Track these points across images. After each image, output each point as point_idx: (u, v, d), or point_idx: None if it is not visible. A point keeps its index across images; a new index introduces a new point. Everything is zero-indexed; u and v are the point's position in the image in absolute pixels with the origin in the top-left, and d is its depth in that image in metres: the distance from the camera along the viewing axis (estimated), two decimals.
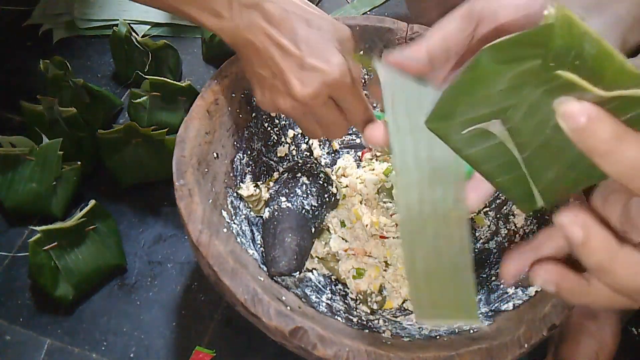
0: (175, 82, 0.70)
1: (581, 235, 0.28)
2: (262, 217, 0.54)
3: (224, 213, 0.49)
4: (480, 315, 0.48)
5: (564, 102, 0.27)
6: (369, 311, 0.51)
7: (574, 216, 0.28)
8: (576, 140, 0.27)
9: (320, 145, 0.62)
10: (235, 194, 0.53)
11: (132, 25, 0.79)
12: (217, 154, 0.51)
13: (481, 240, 0.57)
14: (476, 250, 0.56)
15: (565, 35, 0.26)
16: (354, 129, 0.63)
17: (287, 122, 0.60)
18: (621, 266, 0.28)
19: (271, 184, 0.56)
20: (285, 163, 0.60)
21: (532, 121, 0.30)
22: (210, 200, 0.47)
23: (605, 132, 0.26)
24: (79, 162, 0.65)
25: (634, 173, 0.26)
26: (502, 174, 0.33)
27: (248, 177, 0.55)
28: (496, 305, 0.48)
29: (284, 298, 0.44)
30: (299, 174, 0.55)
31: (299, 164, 0.57)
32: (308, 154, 0.62)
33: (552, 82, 0.28)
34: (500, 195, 0.57)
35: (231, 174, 0.53)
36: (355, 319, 0.49)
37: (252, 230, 0.53)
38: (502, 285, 0.50)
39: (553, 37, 0.26)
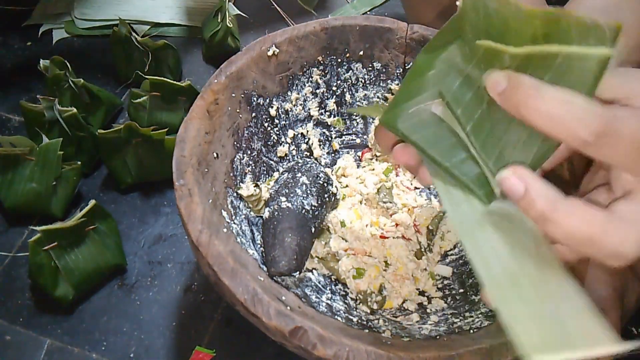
0: (175, 82, 0.70)
1: (521, 186, 0.29)
2: (262, 217, 0.54)
3: (224, 213, 0.49)
4: (481, 315, 0.48)
5: (487, 74, 0.30)
6: (368, 311, 0.51)
7: (512, 170, 0.29)
8: (502, 103, 0.29)
9: (320, 145, 0.62)
10: (235, 194, 0.53)
11: (132, 25, 0.79)
12: (217, 153, 0.51)
13: None
14: None
15: (473, 6, 0.30)
16: (353, 130, 0.63)
17: (287, 122, 0.60)
18: (564, 216, 0.28)
19: (271, 183, 0.56)
20: (285, 163, 0.60)
21: (468, 94, 0.33)
22: (210, 200, 0.47)
23: (525, 83, 0.28)
24: (79, 162, 0.65)
25: (558, 121, 0.28)
26: (451, 156, 0.34)
27: (248, 177, 0.55)
28: None
29: (283, 298, 0.44)
30: (299, 174, 0.55)
31: (299, 164, 0.57)
32: (308, 154, 0.62)
33: (476, 56, 0.32)
34: None
35: (231, 174, 0.53)
36: (355, 319, 0.49)
37: (252, 230, 0.53)
38: None
39: (465, 13, 0.31)
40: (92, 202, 0.59)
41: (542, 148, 0.31)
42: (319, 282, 0.53)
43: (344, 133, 0.63)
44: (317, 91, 0.60)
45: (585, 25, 0.27)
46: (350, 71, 0.61)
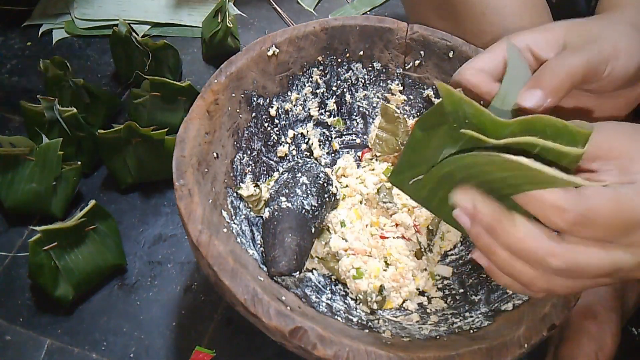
0: (175, 82, 0.70)
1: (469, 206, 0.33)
2: (262, 217, 0.54)
3: (224, 213, 0.49)
4: (481, 315, 0.48)
5: (454, 193, 0.34)
6: (368, 311, 0.51)
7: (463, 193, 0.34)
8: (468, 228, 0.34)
9: (320, 145, 0.62)
10: (235, 194, 0.53)
11: (132, 25, 0.79)
12: (217, 154, 0.51)
13: None
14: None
15: (451, 103, 0.34)
16: (353, 130, 0.63)
17: (287, 122, 0.60)
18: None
19: (271, 183, 0.56)
20: (285, 163, 0.60)
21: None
22: (210, 200, 0.47)
23: (486, 215, 0.33)
24: (79, 162, 0.65)
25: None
26: (442, 209, 0.40)
27: (248, 177, 0.55)
28: (496, 305, 0.48)
29: (283, 298, 0.44)
30: (299, 174, 0.55)
31: (299, 164, 0.57)
32: (308, 154, 0.62)
33: (462, 139, 0.36)
34: None
35: (231, 174, 0.53)
36: (355, 319, 0.49)
37: (252, 230, 0.53)
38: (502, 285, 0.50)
39: (445, 105, 0.34)
40: (92, 202, 0.59)
41: None
42: (319, 282, 0.53)
43: (344, 133, 0.63)
44: (317, 91, 0.60)
45: (558, 127, 0.32)
46: (350, 71, 0.61)
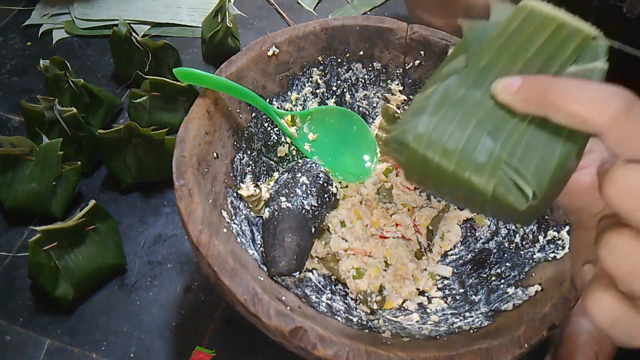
0: (175, 82, 0.69)
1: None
2: (262, 217, 0.54)
3: (224, 213, 0.49)
4: (481, 315, 0.48)
5: (497, 81, 0.30)
6: (368, 311, 0.51)
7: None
8: (517, 103, 0.29)
9: None
10: (235, 194, 0.53)
11: (132, 25, 0.79)
12: (217, 154, 0.51)
13: (481, 240, 0.57)
14: (476, 250, 0.56)
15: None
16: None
17: None
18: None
19: (271, 184, 0.56)
20: (285, 163, 0.60)
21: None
22: (210, 200, 0.47)
23: (540, 78, 0.29)
24: (79, 162, 0.65)
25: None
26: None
27: (248, 177, 0.55)
28: (496, 305, 0.48)
29: (283, 298, 0.44)
30: (299, 174, 0.55)
31: (299, 164, 0.57)
32: None
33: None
34: None
35: (231, 174, 0.53)
36: (355, 319, 0.49)
37: (252, 230, 0.53)
38: (502, 285, 0.50)
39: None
40: (92, 202, 0.59)
41: (565, 147, 0.30)
42: (319, 282, 0.53)
43: None
44: (317, 91, 0.60)
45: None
46: (350, 71, 0.61)
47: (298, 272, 0.50)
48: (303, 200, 0.52)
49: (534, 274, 0.49)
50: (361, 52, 0.60)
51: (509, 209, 0.30)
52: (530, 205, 0.29)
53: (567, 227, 0.50)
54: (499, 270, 0.52)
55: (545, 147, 0.30)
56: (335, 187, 0.57)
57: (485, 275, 0.53)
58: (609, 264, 0.27)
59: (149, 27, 0.88)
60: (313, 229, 0.52)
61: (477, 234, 0.58)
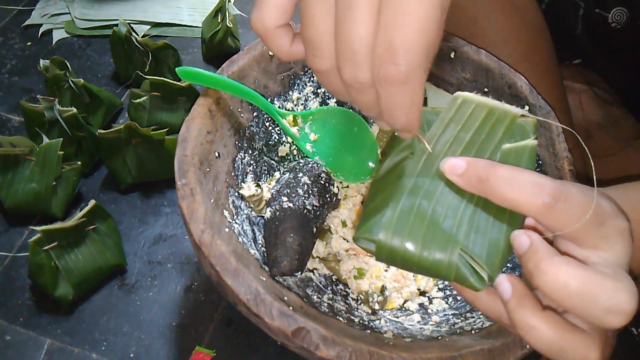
0: (175, 82, 0.69)
1: (527, 240, 0.31)
2: (263, 217, 0.54)
3: (226, 213, 0.49)
4: (482, 316, 0.48)
5: (444, 160, 0.34)
6: (370, 311, 0.51)
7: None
8: (463, 183, 0.33)
9: None
10: (236, 194, 0.53)
11: (132, 25, 0.79)
12: (218, 153, 0.51)
13: None
14: None
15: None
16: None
17: None
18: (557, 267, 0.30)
19: (272, 183, 0.56)
20: (286, 163, 0.60)
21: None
22: (212, 200, 0.47)
23: (481, 163, 0.32)
24: (79, 162, 0.65)
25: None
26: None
27: (249, 176, 0.55)
28: None
29: (286, 298, 0.43)
30: (301, 174, 0.55)
31: (301, 164, 0.57)
32: None
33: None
34: None
35: (232, 174, 0.53)
36: (356, 319, 0.49)
37: (253, 230, 0.53)
38: None
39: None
40: (92, 202, 0.59)
41: (510, 223, 0.34)
42: (320, 283, 0.53)
43: None
44: (319, 91, 0.60)
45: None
46: None
47: (300, 272, 0.49)
48: (305, 200, 0.52)
49: None
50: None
51: (470, 287, 0.34)
52: (488, 284, 0.34)
53: None
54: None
55: (493, 227, 0.34)
56: (337, 187, 0.56)
57: None
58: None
59: (149, 27, 0.88)
60: (315, 229, 0.52)
61: None
